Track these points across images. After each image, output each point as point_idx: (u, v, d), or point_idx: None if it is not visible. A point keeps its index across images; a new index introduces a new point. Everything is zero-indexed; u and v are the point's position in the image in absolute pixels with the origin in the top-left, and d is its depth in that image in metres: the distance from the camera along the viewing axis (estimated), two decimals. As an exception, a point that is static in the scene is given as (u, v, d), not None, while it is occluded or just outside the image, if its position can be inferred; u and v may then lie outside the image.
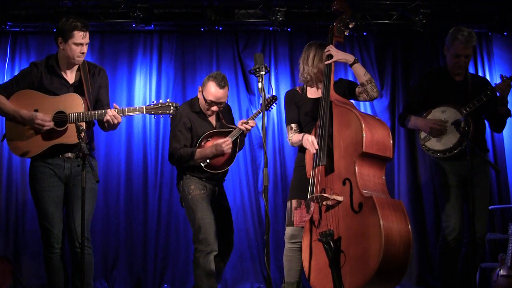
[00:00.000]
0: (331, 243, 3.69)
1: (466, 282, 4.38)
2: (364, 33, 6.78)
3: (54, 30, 4.54)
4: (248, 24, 6.74)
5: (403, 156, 6.72)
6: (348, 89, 4.32)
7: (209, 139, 4.59)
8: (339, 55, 4.19)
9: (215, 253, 4.49)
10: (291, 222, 4.24)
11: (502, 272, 5.43)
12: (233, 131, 4.65)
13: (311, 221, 3.99)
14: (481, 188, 4.42)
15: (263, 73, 3.85)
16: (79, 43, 4.01)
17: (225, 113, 4.81)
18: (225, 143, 4.50)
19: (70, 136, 3.97)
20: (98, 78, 4.23)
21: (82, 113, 4.01)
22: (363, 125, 3.75)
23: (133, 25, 6.47)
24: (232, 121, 4.88)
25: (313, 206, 4.03)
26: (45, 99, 4.05)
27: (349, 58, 4.21)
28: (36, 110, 4.02)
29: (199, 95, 4.64)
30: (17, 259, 6.34)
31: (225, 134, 4.63)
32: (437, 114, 4.51)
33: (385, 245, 3.45)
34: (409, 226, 3.61)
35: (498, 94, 4.42)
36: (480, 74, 6.77)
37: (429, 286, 6.40)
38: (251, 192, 6.60)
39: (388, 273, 3.52)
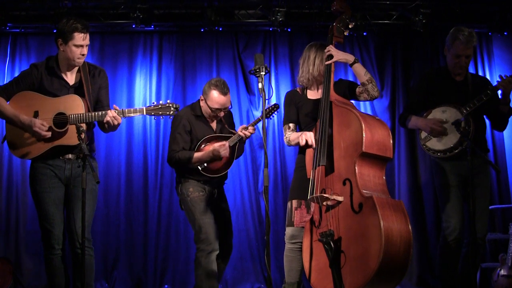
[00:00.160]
0: (331, 243, 3.69)
1: (467, 282, 4.38)
2: (364, 33, 6.78)
3: (54, 31, 4.55)
4: (248, 24, 6.74)
5: (403, 156, 6.73)
6: (348, 89, 4.32)
7: (208, 143, 4.61)
8: (339, 55, 4.19)
9: (217, 252, 4.51)
10: (291, 222, 4.24)
11: (502, 272, 5.43)
12: (232, 136, 4.67)
13: (312, 221, 3.99)
14: (482, 188, 4.42)
15: (263, 73, 3.85)
16: (79, 44, 4.01)
17: (226, 118, 4.83)
18: (223, 147, 4.52)
19: (71, 137, 3.97)
20: (98, 79, 4.23)
21: (83, 114, 4.01)
22: (363, 125, 3.75)
23: (133, 26, 6.47)
24: (232, 126, 4.90)
25: (313, 206, 4.03)
26: (45, 100, 4.05)
27: (349, 58, 4.21)
28: (36, 112, 4.02)
29: (202, 104, 4.67)
30: (18, 260, 6.35)
31: (224, 139, 4.66)
32: (438, 114, 4.51)
33: (385, 245, 3.44)
34: (410, 226, 3.61)
35: (500, 92, 4.42)
36: (480, 74, 6.77)
37: (430, 286, 6.40)
38: (252, 193, 6.60)
39: (388, 273, 3.52)
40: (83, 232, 3.78)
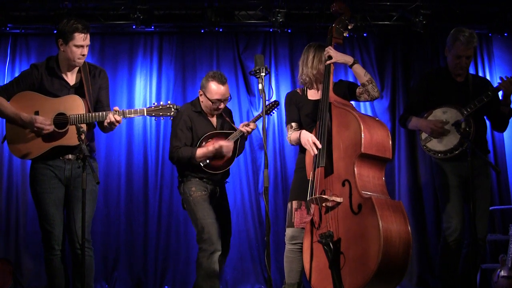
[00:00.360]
0: (331, 244, 3.69)
1: (467, 283, 4.38)
2: (364, 34, 6.78)
3: (55, 31, 4.55)
4: (248, 25, 6.75)
5: (403, 157, 6.73)
6: (348, 90, 4.32)
7: (210, 139, 4.59)
8: (338, 56, 4.19)
9: (219, 252, 4.48)
10: (291, 223, 4.24)
11: (502, 273, 5.43)
12: (233, 132, 4.66)
13: (312, 222, 3.99)
14: (482, 189, 4.42)
15: (264, 74, 3.86)
16: (80, 45, 4.01)
17: (226, 114, 4.82)
18: (227, 148, 4.49)
19: (71, 138, 3.97)
20: (98, 80, 4.23)
21: (83, 115, 4.01)
22: (362, 126, 3.75)
23: (133, 27, 6.47)
24: (232, 123, 4.88)
25: (313, 207, 4.03)
26: (46, 100, 4.05)
27: (348, 59, 4.21)
28: (37, 112, 4.02)
29: (202, 98, 4.64)
30: (18, 261, 6.35)
31: (226, 135, 4.64)
32: (438, 114, 4.51)
33: (384, 246, 3.45)
34: (409, 227, 3.61)
35: (501, 93, 4.42)
36: (480, 75, 6.77)
37: (430, 287, 6.40)
38: (252, 193, 6.60)
39: (387, 274, 3.52)
40: (83, 232, 3.78)
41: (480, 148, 4.30)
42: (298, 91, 4.47)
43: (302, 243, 4.09)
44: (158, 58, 6.83)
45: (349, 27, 4.31)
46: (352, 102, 4.28)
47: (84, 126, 3.98)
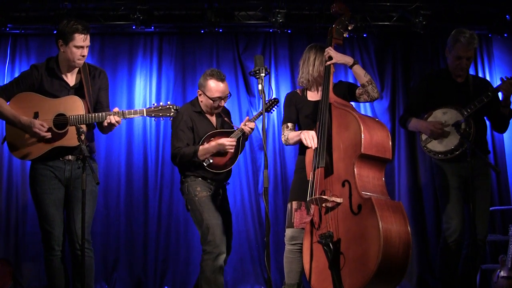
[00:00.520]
0: (331, 245, 3.69)
1: (467, 283, 4.38)
2: (364, 35, 6.78)
3: (55, 32, 4.54)
4: (248, 26, 6.74)
5: (403, 157, 6.73)
6: (348, 91, 4.33)
7: (212, 139, 4.57)
8: (338, 57, 4.19)
9: (224, 255, 4.43)
10: (291, 223, 4.24)
11: (502, 273, 5.43)
12: (235, 131, 4.65)
13: (311, 223, 3.99)
14: (482, 190, 4.42)
15: (263, 75, 3.85)
16: (80, 45, 4.01)
17: (224, 114, 4.81)
18: (229, 144, 4.47)
19: (71, 138, 3.98)
20: (98, 80, 4.23)
21: (83, 115, 4.01)
22: (362, 127, 3.75)
23: (133, 27, 6.47)
24: (231, 124, 4.88)
25: (313, 208, 4.03)
26: (46, 101, 4.05)
27: (348, 60, 4.22)
28: (36, 113, 4.02)
29: (201, 98, 4.60)
30: (18, 261, 6.34)
31: (226, 134, 4.62)
32: (438, 115, 4.51)
33: (384, 247, 3.45)
34: (409, 228, 3.61)
35: (501, 95, 4.42)
36: (480, 75, 6.76)
37: (430, 287, 6.40)
38: (251, 194, 6.60)
39: (387, 274, 3.52)
40: (82, 233, 3.78)
41: (480, 149, 4.30)
42: (298, 91, 4.47)
43: (302, 244, 4.10)
44: (158, 58, 6.83)
45: (349, 28, 4.32)
46: (352, 103, 4.28)
47: (84, 127, 3.99)
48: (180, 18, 6.62)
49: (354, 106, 4.23)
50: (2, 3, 6.21)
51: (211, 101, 4.55)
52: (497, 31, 6.71)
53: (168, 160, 6.50)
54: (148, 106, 4.17)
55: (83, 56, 4.06)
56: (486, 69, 6.94)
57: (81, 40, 4.01)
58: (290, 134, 4.30)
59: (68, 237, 4.08)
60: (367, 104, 6.70)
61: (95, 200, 4.17)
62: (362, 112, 6.60)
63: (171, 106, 4.12)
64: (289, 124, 4.38)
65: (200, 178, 4.54)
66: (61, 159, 4.07)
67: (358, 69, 4.22)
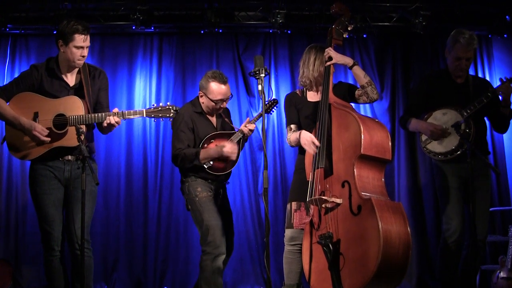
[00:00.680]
0: (330, 245, 3.69)
1: (467, 284, 4.38)
2: (364, 35, 6.79)
3: (54, 32, 4.53)
4: (248, 26, 6.74)
5: (403, 158, 6.73)
6: (348, 92, 4.33)
7: (212, 140, 4.57)
8: (338, 57, 4.19)
9: (224, 256, 4.43)
10: (290, 224, 4.24)
11: (502, 274, 5.42)
12: (235, 133, 4.65)
13: (311, 223, 3.99)
14: (482, 190, 4.41)
15: (263, 75, 3.85)
16: (80, 46, 4.01)
17: (225, 114, 4.81)
18: (231, 149, 4.46)
19: (70, 139, 3.97)
20: (98, 81, 4.23)
21: (82, 116, 4.01)
22: (362, 128, 3.75)
23: (133, 27, 6.47)
24: (230, 122, 4.87)
25: (312, 208, 4.03)
26: (45, 101, 4.05)
27: (348, 60, 4.22)
28: (36, 113, 4.02)
29: (202, 99, 4.60)
30: (17, 262, 6.34)
31: (227, 136, 4.62)
32: (438, 116, 4.51)
33: (383, 248, 3.45)
34: (409, 228, 3.61)
35: (500, 96, 4.42)
36: (480, 76, 6.76)
37: (429, 288, 6.41)
38: (251, 194, 6.60)
39: (387, 275, 3.52)
40: (82, 233, 3.78)
41: (480, 150, 4.30)
42: (298, 92, 4.47)
43: (301, 244, 4.10)
44: (158, 59, 6.83)
45: (349, 28, 4.32)
46: (352, 104, 4.28)
47: (83, 127, 3.98)
48: (180, 18, 6.62)
49: (353, 106, 4.23)
50: (2, 3, 6.21)
51: (213, 103, 4.54)
52: (497, 32, 6.71)
53: (167, 161, 6.51)
54: (148, 107, 4.17)
55: (83, 56, 4.06)
56: (486, 70, 6.94)
57: (81, 40, 4.01)
58: (292, 136, 4.31)
59: (68, 237, 4.07)
60: (367, 104, 6.69)
61: (94, 201, 4.17)
62: (362, 112, 6.60)
63: (170, 107, 4.12)
64: (293, 126, 4.38)
65: (200, 178, 4.55)
66: (60, 159, 4.07)
67: (357, 70, 4.22)
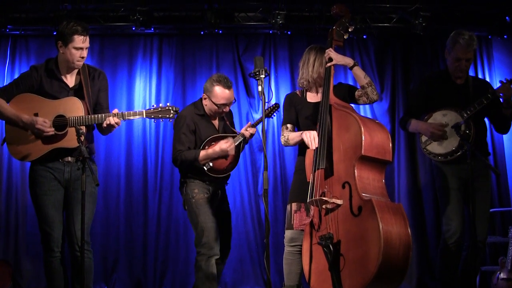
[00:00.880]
0: (331, 246, 3.69)
1: (467, 285, 4.38)
2: (364, 36, 6.79)
3: (54, 33, 4.53)
4: (248, 27, 6.75)
5: (403, 159, 6.73)
6: (348, 93, 4.32)
7: (213, 143, 4.58)
8: (338, 58, 4.19)
9: (217, 256, 4.48)
10: (290, 225, 4.24)
11: (502, 275, 5.42)
12: (236, 136, 4.65)
13: (311, 224, 3.99)
14: (483, 191, 4.41)
15: (263, 76, 3.85)
16: (79, 47, 4.01)
17: (228, 117, 4.82)
18: (229, 147, 4.47)
19: (70, 140, 3.97)
20: (98, 82, 4.23)
21: (82, 117, 4.01)
22: (362, 129, 3.75)
23: (133, 28, 6.48)
24: (232, 126, 4.88)
25: (312, 209, 4.03)
26: (45, 102, 4.05)
27: (349, 61, 4.21)
28: (36, 114, 4.02)
29: (206, 102, 4.61)
30: (17, 262, 6.34)
31: None
32: (438, 117, 4.50)
33: (384, 249, 3.44)
34: (409, 230, 3.60)
35: (501, 98, 4.42)
36: (480, 77, 6.76)
37: (429, 289, 6.41)
38: (251, 195, 6.60)
39: (387, 276, 3.52)
40: (82, 234, 3.78)
41: (480, 151, 4.30)
42: (298, 93, 4.47)
43: (301, 245, 4.09)
44: (158, 59, 6.83)
45: (350, 30, 4.31)
46: (352, 105, 4.28)
47: (83, 128, 3.98)
48: (180, 19, 6.62)
49: (353, 107, 4.22)
50: (2, 4, 6.21)
51: (216, 107, 4.56)
52: (497, 33, 6.71)
53: (167, 162, 6.51)
54: (147, 108, 4.16)
55: (83, 57, 4.05)
56: (486, 71, 6.94)
57: (81, 41, 4.00)
58: (291, 135, 4.30)
59: (68, 239, 4.07)
60: (367, 105, 6.70)
61: (94, 202, 4.17)
62: (362, 113, 6.59)
63: (170, 108, 4.12)
64: (289, 125, 4.38)
65: (198, 180, 4.57)
66: (60, 160, 4.07)
67: (358, 71, 4.22)
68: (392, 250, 3.48)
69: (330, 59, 4.19)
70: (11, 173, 6.50)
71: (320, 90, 4.26)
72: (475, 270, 4.27)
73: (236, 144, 4.58)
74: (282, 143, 4.41)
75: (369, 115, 6.69)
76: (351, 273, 3.59)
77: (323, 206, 3.86)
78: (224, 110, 4.60)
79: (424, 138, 4.56)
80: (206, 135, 4.59)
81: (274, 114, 4.97)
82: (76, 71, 4.16)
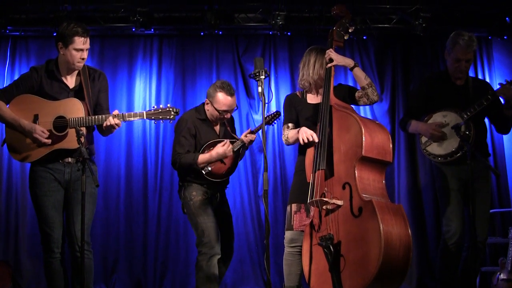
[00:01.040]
0: (331, 247, 3.69)
1: (467, 285, 4.38)
2: (364, 37, 6.79)
3: (54, 34, 4.53)
4: (248, 28, 6.75)
5: (403, 159, 6.73)
6: (348, 94, 4.33)
7: (212, 148, 4.59)
8: (339, 59, 4.19)
9: (219, 256, 4.48)
10: (290, 226, 4.24)
11: (502, 276, 5.42)
12: (236, 141, 4.67)
13: (311, 225, 3.99)
14: (483, 192, 4.41)
15: (263, 77, 3.86)
16: (80, 48, 4.01)
17: (229, 122, 4.84)
18: (226, 149, 4.48)
19: (70, 141, 3.97)
20: (98, 83, 4.23)
21: (82, 118, 4.01)
22: (363, 129, 3.75)
23: (133, 29, 6.48)
24: (233, 131, 4.90)
25: (313, 210, 4.03)
26: (45, 104, 4.05)
27: (349, 62, 4.22)
28: (36, 115, 4.02)
29: (208, 107, 4.62)
30: (17, 263, 6.34)
31: None
32: (438, 118, 4.50)
33: (384, 249, 3.44)
34: (409, 230, 3.61)
35: (502, 99, 4.42)
36: (480, 78, 6.76)
37: (429, 289, 6.41)
38: (251, 196, 6.60)
39: (388, 277, 3.52)
40: (82, 235, 3.78)
41: (480, 151, 4.30)
42: (298, 94, 4.47)
43: (301, 246, 4.09)
44: (158, 60, 6.83)
45: (350, 30, 4.32)
46: (352, 106, 4.28)
47: (83, 129, 3.98)
48: (180, 20, 6.62)
49: (354, 108, 4.23)
50: (2, 5, 6.21)
51: (217, 113, 4.58)
52: (497, 34, 6.71)
53: (167, 162, 6.51)
54: (148, 109, 4.17)
55: (83, 59, 4.06)
56: (486, 71, 6.94)
57: (81, 43, 4.00)
58: (290, 133, 4.31)
59: (68, 239, 4.08)
60: (367, 106, 6.69)
61: (94, 202, 4.17)
62: (362, 114, 6.59)
63: (171, 109, 4.12)
64: (290, 124, 4.38)
65: (196, 183, 4.59)
66: (60, 161, 4.07)
67: (358, 72, 4.22)
68: (392, 251, 3.49)
69: (331, 60, 4.19)
70: (11, 173, 6.50)
71: (320, 91, 4.26)
72: (475, 270, 4.28)
73: (235, 149, 4.60)
74: (284, 142, 4.42)
75: (369, 116, 6.69)
76: (351, 274, 3.60)
77: (323, 207, 3.86)
78: (226, 116, 4.63)
79: (424, 139, 4.56)
80: (206, 140, 4.61)
81: (275, 122, 4.97)
82: (76, 72, 4.16)
